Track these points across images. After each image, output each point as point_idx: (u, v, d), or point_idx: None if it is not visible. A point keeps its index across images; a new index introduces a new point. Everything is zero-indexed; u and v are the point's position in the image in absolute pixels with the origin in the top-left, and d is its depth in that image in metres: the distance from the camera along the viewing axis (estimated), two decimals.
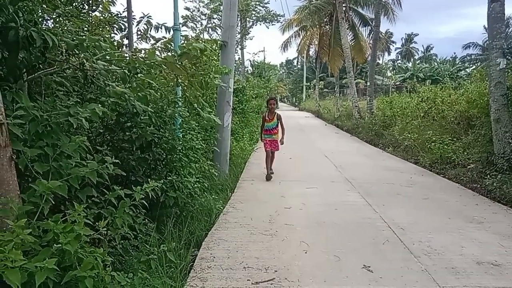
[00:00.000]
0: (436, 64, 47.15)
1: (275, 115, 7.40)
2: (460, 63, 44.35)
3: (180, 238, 3.91)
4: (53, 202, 2.33)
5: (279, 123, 7.43)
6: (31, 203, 2.24)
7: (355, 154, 10.89)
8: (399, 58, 66.39)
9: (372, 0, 22.26)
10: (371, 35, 23.15)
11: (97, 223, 2.53)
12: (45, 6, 3.73)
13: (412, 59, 61.06)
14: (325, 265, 3.48)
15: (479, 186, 6.64)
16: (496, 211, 5.36)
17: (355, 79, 23.99)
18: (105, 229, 2.55)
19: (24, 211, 2.18)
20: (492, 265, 3.52)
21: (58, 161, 2.47)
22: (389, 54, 61.79)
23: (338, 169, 8.34)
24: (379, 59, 52.49)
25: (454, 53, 65.75)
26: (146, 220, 3.60)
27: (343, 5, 20.91)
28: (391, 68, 60.94)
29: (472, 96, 9.35)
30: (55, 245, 2.09)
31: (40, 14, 3.69)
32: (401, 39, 65.17)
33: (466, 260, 3.62)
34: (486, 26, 7.57)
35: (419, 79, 35.38)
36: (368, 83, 17.71)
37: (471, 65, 39.35)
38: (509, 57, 7.34)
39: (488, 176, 6.57)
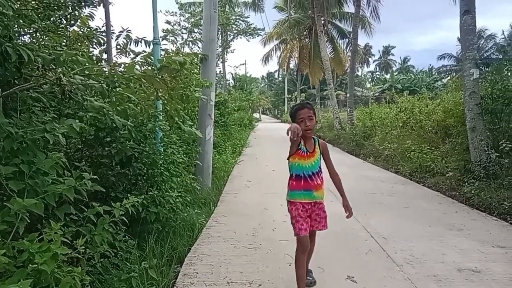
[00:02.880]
0: (413, 75, 48.38)
1: (316, 144, 3.16)
2: (436, 73, 45.60)
3: (162, 254, 3.84)
4: (29, 221, 2.26)
5: (321, 161, 3.20)
6: (5, 223, 2.17)
7: (337, 164, 10.87)
8: (378, 69, 67.90)
9: (350, 13, 22.83)
10: (349, 47, 23.64)
11: (75, 242, 2.46)
12: (21, 21, 3.67)
13: (390, 71, 62.53)
14: None
15: (457, 193, 6.77)
16: (475, 218, 5.47)
17: (335, 91, 24.38)
18: (84, 247, 2.48)
19: None
20: (472, 272, 3.57)
21: (34, 179, 2.41)
22: (368, 66, 63.13)
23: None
24: (358, 71, 53.54)
25: (430, 64, 67.65)
26: (127, 237, 3.52)
27: (322, 18, 21.32)
28: (370, 79, 62.20)
29: (448, 106, 9.60)
30: (30, 265, 2.02)
31: (16, 29, 3.63)
32: (379, 51, 66.76)
33: (447, 268, 3.66)
34: (459, 37, 7.81)
35: (397, 90, 36.22)
36: (348, 95, 18.01)
37: (446, 76, 40.52)
38: (482, 68, 7.59)
39: (466, 183, 6.72)
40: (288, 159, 3.11)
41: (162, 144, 4.91)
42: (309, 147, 3.09)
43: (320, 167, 3.16)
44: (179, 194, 4.63)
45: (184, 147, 6.34)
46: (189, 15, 21.59)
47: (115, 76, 3.25)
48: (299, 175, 3.07)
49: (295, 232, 3.11)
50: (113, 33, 5.52)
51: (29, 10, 3.98)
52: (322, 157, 3.20)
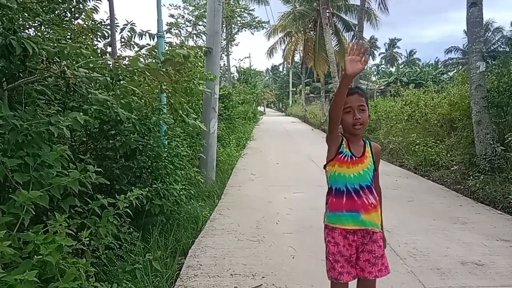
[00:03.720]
0: (418, 68, 47.98)
1: (366, 147, 2.15)
2: (442, 67, 45.18)
3: (166, 246, 3.87)
4: (34, 213, 2.28)
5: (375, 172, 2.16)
6: (11, 214, 2.19)
7: None
8: (383, 62, 67.40)
9: (355, 6, 22.65)
10: (354, 40, 23.47)
11: (80, 233, 2.49)
12: (26, 14, 3.68)
13: (395, 64, 62.04)
14: (313, 270, 3.48)
15: (462, 187, 6.75)
16: (479, 211, 5.45)
17: None
18: (88, 239, 2.51)
19: (3, 223, 2.13)
20: (476, 265, 3.57)
21: (39, 171, 2.42)
22: (373, 59, 62.70)
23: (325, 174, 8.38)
24: None
25: (437, 57, 67.06)
26: (131, 229, 3.55)
27: (327, 11, 21.15)
28: (375, 72, 61.77)
29: (454, 99, 9.53)
30: (36, 256, 2.05)
31: (21, 22, 3.64)
32: (384, 44, 66.25)
33: (451, 261, 3.66)
34: (466, 30, 7.73)
35: (403, 83, 35.95)
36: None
37: (453, 69, 40.15)
38: (489, 61, 7.51)
39: (471, 177, 6.69)
40: (324, 167, 2.20)
41: (166, 137, 4.93)
42: (356, 150, 2.10)
43: (372, 179, 2.11)
44: (183, 187, 4.65)
45: (188, 140, 6.36)
46: (193, 8, 21.53)
47: (119, 69, 3.26)
48: (340, 190, 2.07)
49: (328, 273, 2.14)
50: (117, 26, 5.52)
51: (34, 3, 3.98)
52: (375, 166, 2.16)
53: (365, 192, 2.06)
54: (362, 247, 2.06)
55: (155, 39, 5.63)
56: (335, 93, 1.96)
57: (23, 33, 3.40)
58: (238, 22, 25.25)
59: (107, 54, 5.37)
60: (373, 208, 2.07)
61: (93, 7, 5.11)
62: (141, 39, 5.75)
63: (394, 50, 66.17)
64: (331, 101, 2.07)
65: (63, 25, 4.60)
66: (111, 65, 3.45)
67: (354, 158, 2.07)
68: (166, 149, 4.61)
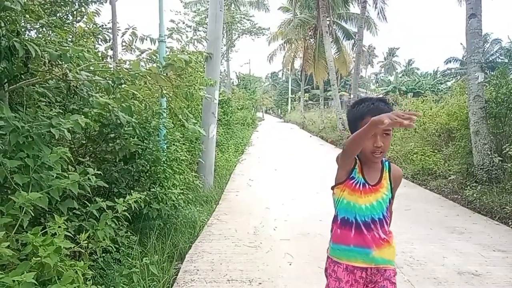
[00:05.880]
0: (417, 77, 48.25)
1: (384, 173, 1.85)
2: (441, 76, 45.43)
3: (163, 250, 3.86)
4: (33, 215, 2.29)
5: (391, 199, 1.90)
6: (10, 216, 2.19)
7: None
8: (382, 71, 67.75)
9: (355, 14, 22.83)
10: (354, 48, 23.67)
11: (78, 236, 2.49)
12: (28, 16, 3.70)
13: (394, 73, 62.38)
14: (310, 277, 3.48)
15: (459, 197, 6.76)
16: (476, 221, 5.46)
17: (339, 92, 24.31)
18: (86, 242, 2.51)
19: (2, 224, 2.13)
20: (472, 275, 3.57)
21: (39, 173, 2.43)
22: (372, 67, 63.06)
23: (323, 180, 8.39)
24: (363, 72, 53.45)
25: (438, 67, 67.48)
26: (129, 232, 3.55)
27: (327, 19, 21.30)
28: (374, 81, 62.05)
29: (452, 109, 9.56)
30: (34, 258, 2.05)
31: (23, 24, 3.66)
32: (383, 53, 66.65)
33: (447, 271, 3.67)
34: (464, 41, 7.78)
35: (401, 92, 36.13)
36: (352, 96, 18.00)
37: (451, 79, 40.37)
38: (487, 71, 7.56)
39: (468, 187, 6.70)
40: (332, 188, 1.95)
41: (165, 141, 4.94)
42: (371, 176, 1.81)
43: (386, 211, 1.85)
44: (181, 191, 4.65)
45: (187, 144, 6.36)
46: (194, 14, 21.62)
47: (121, 73, 3.28)
48: (348, 220, 1.81)
49: None
50: (119, 30, 5.56)
51: (36, 6, 4.00)
52: (392, 195, 1.89)
53: (376, 226, 1.79)
54: (372, 285, 1.82)
55: (156, 44, 5.67)
56: (358, 134, 1.56)
57: (25, 35, 3.43)
58: (238, 28, 25.35)
59: (109, 58, 5.39)
60: (386, 243, 1.80)
61: (95, 11, 5.15)
62: (142, 43, 5.80)
63: (393, 59, 66.56)
64: (349, 131, 1.84)
65: (65, 28, 4.63)
66: (112, 69, 3.47)
67: (367, 187, 1.78)
68: (165, 153, 4.61)
